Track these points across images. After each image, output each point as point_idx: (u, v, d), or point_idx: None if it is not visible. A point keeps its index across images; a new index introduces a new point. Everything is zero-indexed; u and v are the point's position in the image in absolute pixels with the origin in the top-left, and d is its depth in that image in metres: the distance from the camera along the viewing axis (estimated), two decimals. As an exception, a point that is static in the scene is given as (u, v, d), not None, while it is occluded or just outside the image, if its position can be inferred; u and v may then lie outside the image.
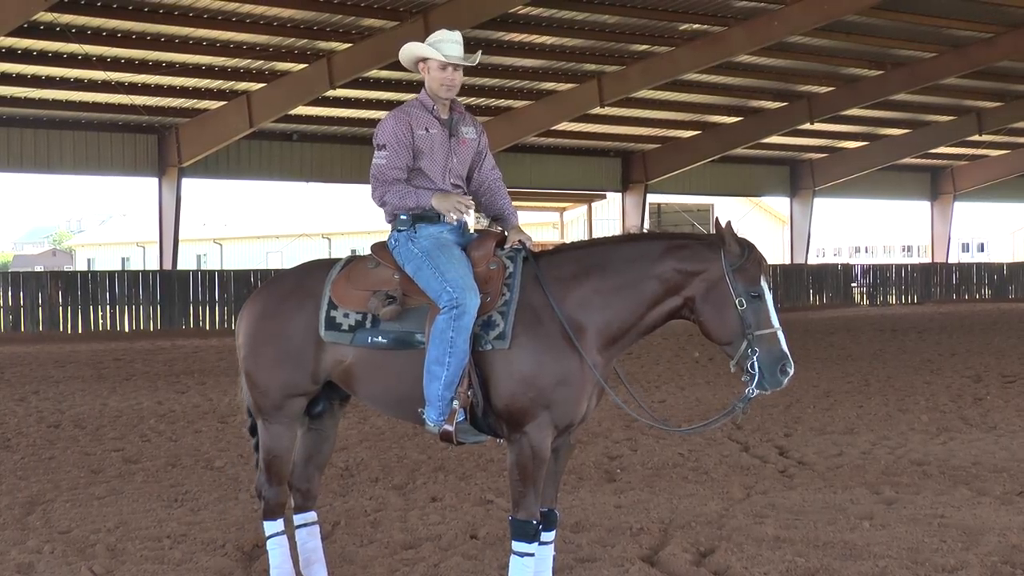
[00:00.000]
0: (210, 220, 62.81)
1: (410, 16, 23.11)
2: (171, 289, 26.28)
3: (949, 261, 43.07)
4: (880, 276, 38.97)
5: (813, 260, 45.07)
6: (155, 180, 28.50)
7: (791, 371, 5.60)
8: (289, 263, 43.73)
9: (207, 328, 26.29)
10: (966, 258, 66.76)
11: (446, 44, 5.96)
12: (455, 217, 5.84)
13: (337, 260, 6.17)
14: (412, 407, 5.76)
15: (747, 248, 5.64)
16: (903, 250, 78.19)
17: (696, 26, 25.91)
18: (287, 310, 5.96)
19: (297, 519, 6.16)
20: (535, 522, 5.66)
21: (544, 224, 46.86)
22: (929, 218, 44.00)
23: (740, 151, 35.89)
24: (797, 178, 39.76)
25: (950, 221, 43.29)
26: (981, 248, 75.25)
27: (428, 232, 5.85)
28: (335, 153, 31.27)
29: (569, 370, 5.62)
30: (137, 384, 15.54)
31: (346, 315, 5.82)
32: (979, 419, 11.70)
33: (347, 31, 24.00)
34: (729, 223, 5.66)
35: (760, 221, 59.64)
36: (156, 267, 29.40)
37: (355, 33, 24.05)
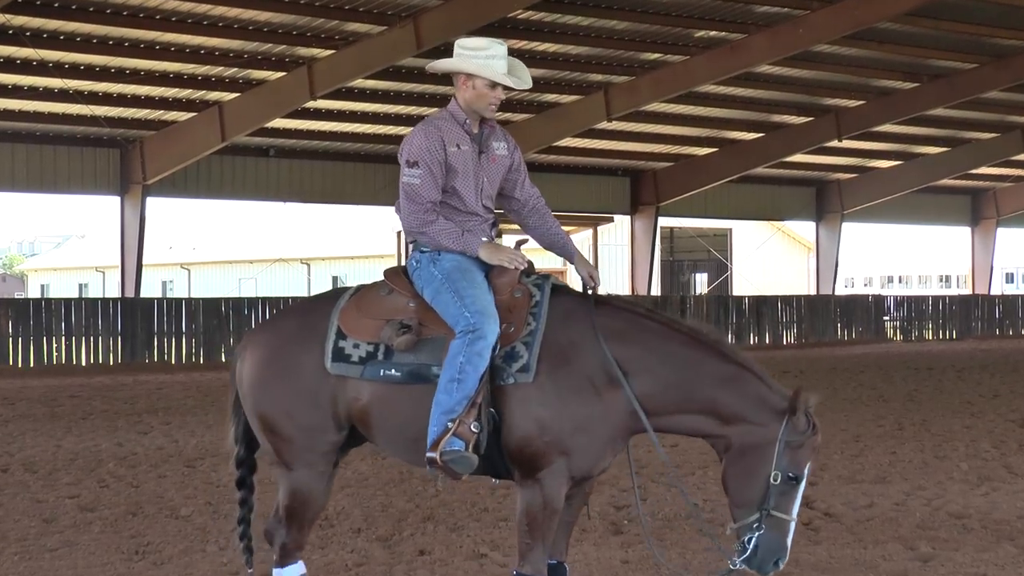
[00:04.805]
0: (177, 243, 62.86)
1: (399, 21, 23.21)
2: (133, 319, 26.26)
3: (991, 293, 43.13)
4: (915, 309, 39.01)
5: (841, 291, 45.13)
6: (117, 199, 28.51)
7: (781, 567, 5.71)
8: (264, 291, 43.82)
9: (172, 362, 26.27)
10: (1010, 289, 66.81)
11: (499, 61, 5.98)
12: (519, 266, 5.86)
13: (347, 289, 6.21)
14: (422, 447, 5.74)
15: (812, 429, 5.72)
16: (941, 280, 78.22)
17: (713, 33, 26.02)
18: (295, 345, 5.95)
19: (280, 573, 6.11)
20: None
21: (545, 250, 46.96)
22: (969, 245, 44.08)
23: (761, 170, 35.98)
24: (824, 201, 39.85)
25: (993, 249, 43.37)
26: (1027, 279, 75.26)
27: (452, 256, 5.89)
28: (316, 170, 31.34)
29: (592, 416, 5.64)
30: (95, 424, 15.49)
31: (356, 346, 5.84)
32: (1024, 467, 11.69)
33: (329, 36, 24.09)
34: (809, 397, 5.71)
35: (783, 247, 59.74)
36: (117, 294, 29.39)
37: (338, 39, 24.14)
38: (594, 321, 5.77)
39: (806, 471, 5.73)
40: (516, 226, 6.37)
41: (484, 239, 6.00)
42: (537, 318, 5.76)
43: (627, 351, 5.74)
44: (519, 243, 6.18)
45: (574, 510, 6.03)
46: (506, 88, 6.01)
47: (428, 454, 5.63)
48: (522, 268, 5.88)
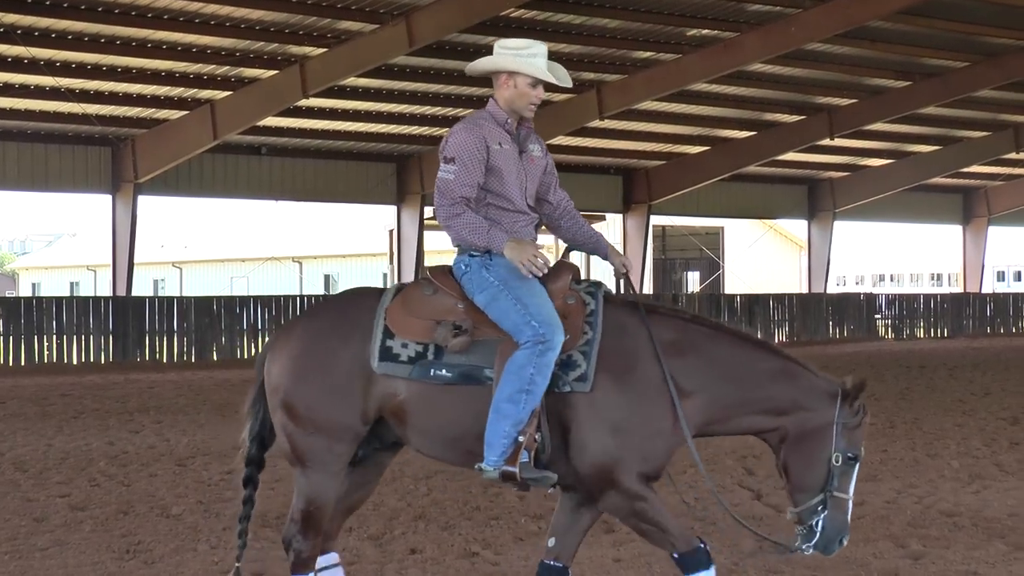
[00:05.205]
0: (169, 242, 62.76)
1: (391, 19, 23.20)
2: (125, 318, 26.20)
3: (983, 291, 43.18)
4: (907, 307, 39.04)
5: (833, 289, 45.16)
6: (108, 197, 28.47)
7: (844, 545, 6.00)
8: (256, 289, 43.73)
9: (164, 361, 26.22)
10: (1001, 288, 66.86)
11: (541, 60, 6.02)
12: (527, 272, 5.82)
13: (381, 288, 6.22)
14: (466, 447, 5.83)
15: (863, 409, 6.01)
16: (932, 279, 78.33)
17: (705, 32, 26.04)
18: (332, 341, 5.94)
19: (319, 561, 6.11)
20: (701, 545, 5.81)
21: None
22: (961, 244, 44.16)
23: (753, 169, 36.02)
24: (816, 199, 39.89)
25: (984, 247, 43.42)
26: (1018, 277, 75.38)
27: (504, 261, 5.90)
28: (308, 169, 31.32)
29: (662, 422, 5.79)
30: (86, 422, 15.48)
31: (404, 345, 5.85)
32: (1016, 465, 11.70)
33: (322, 35, 24.08)
34: (864, 381, 6.01)
35: (775, 246, 59.78)
36: (108, 293, 29.37)
37: (331, 37, 24.13)
38: (650, 331, 5.89)
39: (862, 450, 5.98)
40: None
41: (525, 237, 6.05)
42: (593, 327, 5.84)
43: (683, 361, 5.88)
44: (567, 250, 6.32)
45: (588, 519, 6.09)
46: (546, 87, 6.06)
47: (506, 468, 5.69)
48: (539, 274, 5.86)
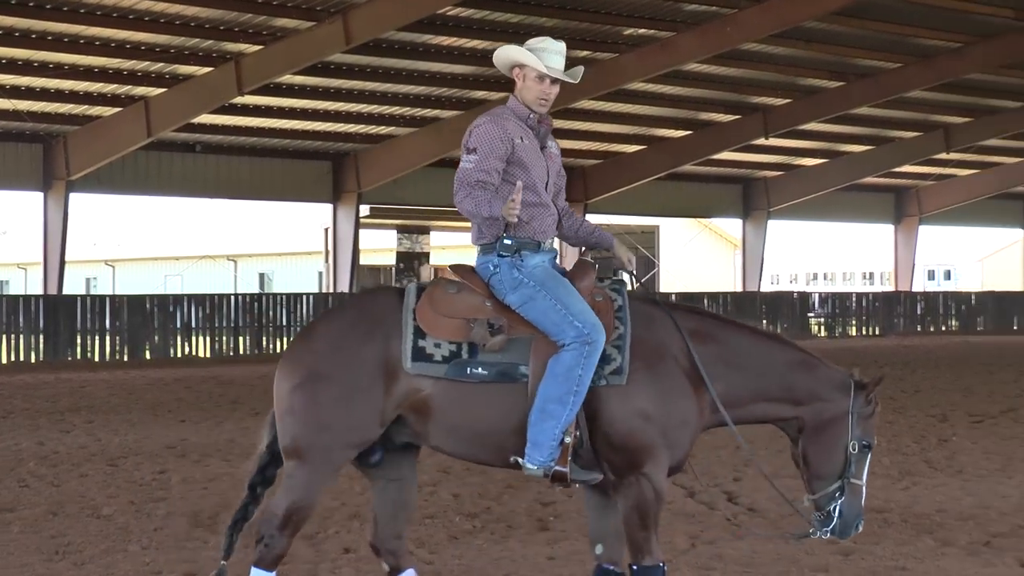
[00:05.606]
0: (101, 239, 62.05)
1: (328, 16, 23.10)
2: (56, 316, 25.94)
3: (914, 290, 43.67)
4: (839, 305, 39.42)
5: (767, 287, 45.54)
6: (40, 195, 28.10)
7: (860, 529, 6.30)
8: (190, 288, 43.36)
9: (96, 360, 25.97)
10: (932, 286, 67.76)
11: (549, 54, 6.12)
12: (512, 219, 5.92)
13: (399, 288, 6.22)
14: (496, 442, 5.90)
15: (875, 399, 6.26)
16: (864, 277, 79.20)
17: (642, 31, 26.15)
18: (353, 340, 5.91)
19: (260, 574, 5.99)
20: (663, 565, 5.91)
21: (472, 247, 46.73)
22: (893, 243, 44.57)
23: (689, 168, 36.21)
24: (750, 198, 40.15)
25: (915, 246, 43.86)
26: (948, 276, 76.41)
27: (535, 261, 6.02)
28: (243, 166, 31.11)
29: (691, 410, 5.98)
30: (15, 422, 15.31)
31: (437, 345, 5.86)
32: (945, 462, 11.86)
33: (257, 32, 23.93)
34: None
35: (710, 244, 60.18)
36: (39, 291, 28.99)
37: (266, 34, 23.99)
38: (676, 323, 6.07)
39: (875, 438, 6.24)
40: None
41: (549, 231, 6.21)
42: (624, 322, 5.99)
43: (708, 349, 6.06)
44: (584, 252, 6.50)
45: (617, 515, 6.14)
46: (555, 81, 6.12)
47: (557, 468, 5.81)
48: (513, 220, 5.93)
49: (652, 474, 5.88)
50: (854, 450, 6.12)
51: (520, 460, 5.82)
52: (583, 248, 6.53)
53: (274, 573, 5.98)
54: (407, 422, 5.95)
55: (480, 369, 5.84)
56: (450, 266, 6.24)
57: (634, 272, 6.37)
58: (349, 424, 5.85)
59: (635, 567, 5.91)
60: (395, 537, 6.22)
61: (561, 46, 6.15)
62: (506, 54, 6.20)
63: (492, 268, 6.04)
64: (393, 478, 6.17)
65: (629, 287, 6.30)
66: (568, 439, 5.80)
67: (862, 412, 6.17)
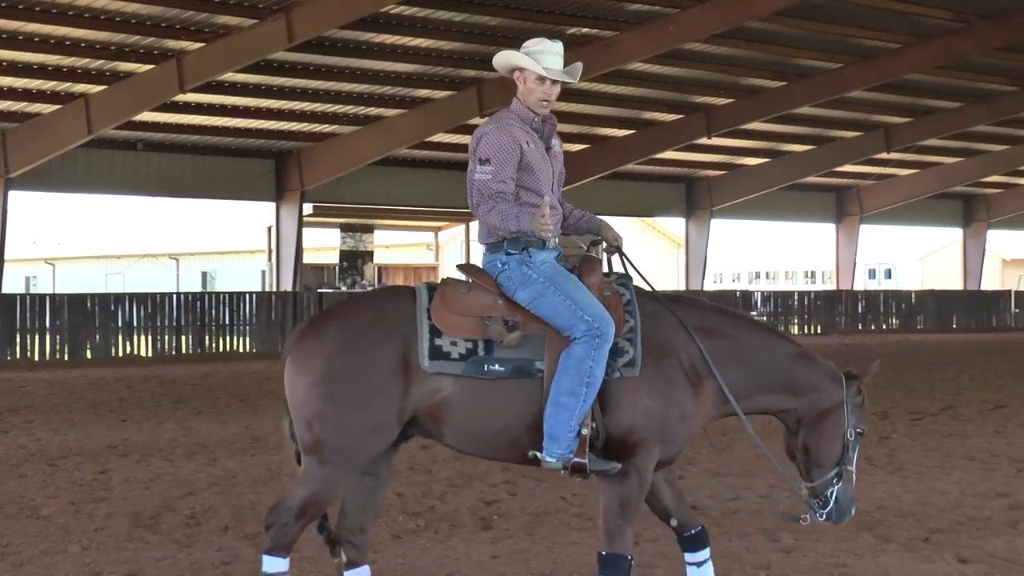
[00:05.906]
0: (41, 238, 61.57)
1: (271, 14, 22.97)
2: (-5, 315, 25.65)
3: (855, 288, 44.05)
4: (782, 304, 39.69)
5: (710, 286, 45.78)
6: (-22, 192, 27.80)
7: (853, 514, 6.50)
8: (131, 286, 43.05)
9: (36, 359, 25.72)
10: (872, 285, 68.41)
11: (546, 56, 6.22)
12: (547, 235, 6.07)
13: (409, 288, 6.25)
14: (512, 437, 5.98)
15: (863, 389, 6.49)
16: (806, 276, 79.79)
17: (585, 30, 26.19)
18: (369, 341, 5.91)
19: (272, 562, 5.97)
20: (630, 558, 6.00)
21: (418, 245, 46.70)
22: (834, 242, 44.93)
23: (632, 167, 36.32)
24: (693, 197, 40.36)
25: (856, 245, 44.24)
26: (888, 275, 77.13)
27: (542, 258, 6.13)
28: (185, 164, 30.90)
29: (690, 408, 6.10)
30: (-46, 423, 15.13)
31: (454, 343, 5.91)
32: (884, 459, 11.98)
33: (199, 29, 23.75)
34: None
35: (653, 243, 60.41)
36: (-22, 290, 28.66)
37: (208, 31, 23.82)
38: (680, 317, 6.21)
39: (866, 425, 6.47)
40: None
41: (555, 230, 6.29)
42: (633, 315, 6.12)
43: (712, 343, 6.19)
44: (593, 241, 6.57)
45: (667, 479, 6.43)
46: (555, 82, 6.22)
47: (576, 460, 5.89)
48: (548, 235, 6.10)
49: (641, 465, 5.99)
50: (851, 437, 6.33)
51: (538, 454, 5.92)
52: (590, 244, 6.63)
53: (287, 559, 5.98)
54: (421, 421, 5.99)
55: (497, 366, 5.94)
56: (458, 265, 6.36)
57: (623, 252, 6.50)
58: (369, 426, 5.88)
59: (604, 553, 6.00)
60: (360, 531, 6.24)
61: (558, 46, 6.24)
62: (505, 59, 6.30)
63: (500, 266, 6.14)
64: (370, 473, 6.18)
65: (622, 268, 6.49)
66: (585, 431, 5.90)
67: (855, 401, 6.38)
